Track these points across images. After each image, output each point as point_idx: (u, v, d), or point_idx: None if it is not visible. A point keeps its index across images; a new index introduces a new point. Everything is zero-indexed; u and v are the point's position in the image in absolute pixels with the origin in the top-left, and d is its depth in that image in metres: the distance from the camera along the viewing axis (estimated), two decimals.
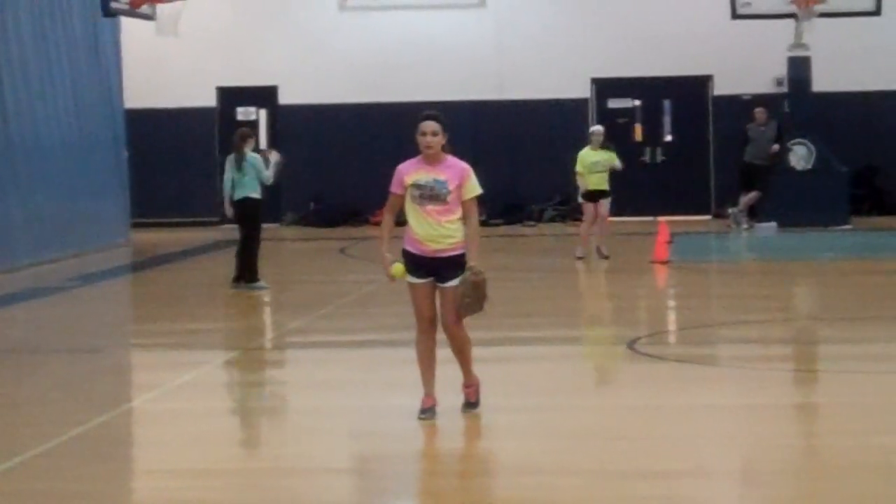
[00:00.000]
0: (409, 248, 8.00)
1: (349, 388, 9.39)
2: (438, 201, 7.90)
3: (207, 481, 7.03)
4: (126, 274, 18.48)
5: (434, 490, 6.86)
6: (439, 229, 7.92)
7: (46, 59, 18.87)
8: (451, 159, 8.02)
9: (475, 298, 7.91)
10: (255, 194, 14.80)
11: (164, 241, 21.69)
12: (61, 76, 19.29)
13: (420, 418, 7.94)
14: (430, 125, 7.96)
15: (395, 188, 8.06)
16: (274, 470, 7.18)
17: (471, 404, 8.20)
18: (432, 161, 7.96)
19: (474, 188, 7.99)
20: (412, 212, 7.97)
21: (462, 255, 7.95)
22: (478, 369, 8.31)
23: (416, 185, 7.93)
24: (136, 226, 22.07)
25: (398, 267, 7.97)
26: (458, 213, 7.96)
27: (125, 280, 17.91)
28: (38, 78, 18.54)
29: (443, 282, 7.96)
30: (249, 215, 14.85)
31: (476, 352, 8.30)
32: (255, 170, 14.82)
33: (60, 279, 16.45)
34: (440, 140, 7.94)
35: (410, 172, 7.98)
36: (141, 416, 8.80)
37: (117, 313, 14.81)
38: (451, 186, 7.91)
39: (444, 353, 8.19)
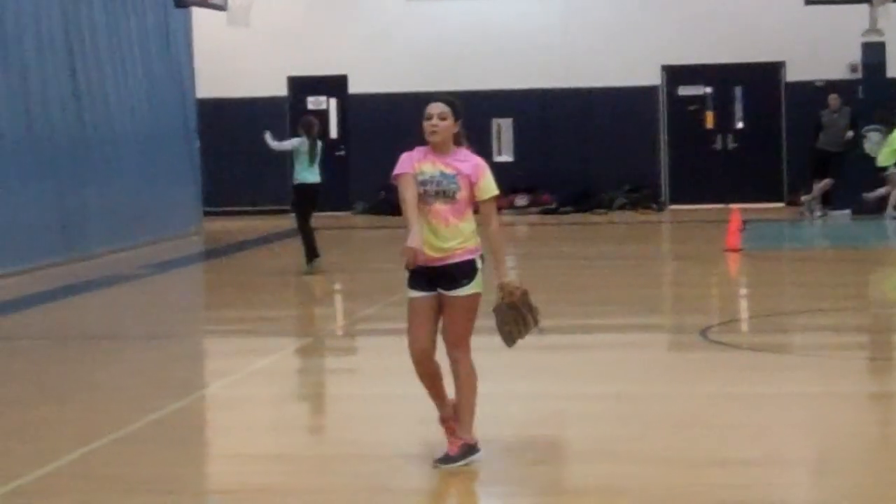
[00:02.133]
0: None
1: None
2: (445, 198, 6.67)
3: (281, 466, 7.10)
4: (199, 262, 18.67)
5: (505, 476, 6.87)
6: (444, 232, 6.65)
7: (119, 50, 19.09)
8: (464, 152, 6.79)
9: (517, 321, 6.72)
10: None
11: (235, 229, 21.88)
12: (134, 67, 19.51)
13: (434, 464, 6.75)
14: (437, 107, 6.74)
15: (404, 167, 6.77)
16: (346, 456, 7.23)
17: (448, 458, 6.75)
18: (439, 151, 6.74)
19: (491, 187, 6.73)
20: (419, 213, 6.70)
21: (471, 262, 6.68)
22: (549, 357, 8.28)
23: (421, 181, 6.71)
24: (207, 214, 22.28)
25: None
26: (469, 215, 6.72)
27: (198, 267, 18.09)
28: (111, 69, 18.77)
29: (450, 289, 6.67)
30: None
31: (547, 339, 8.21)
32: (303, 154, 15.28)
33: (134, 267, 16.66)
34: (449, 126, 6.71)
35: (420, 161, 6.78)
36: (215, 402, 8.90)
37: (191, 300, 14.97)
38: (461, 182, 6.67)
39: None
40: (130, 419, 7.98)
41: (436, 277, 6.69)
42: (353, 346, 11.57)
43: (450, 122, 6.75)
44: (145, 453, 7.32)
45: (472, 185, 6.70)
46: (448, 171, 6.72)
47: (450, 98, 6.86)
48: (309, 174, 15.36)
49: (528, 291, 6.80)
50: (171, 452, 7.39)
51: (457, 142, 6.80)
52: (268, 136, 15.75)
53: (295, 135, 15.72)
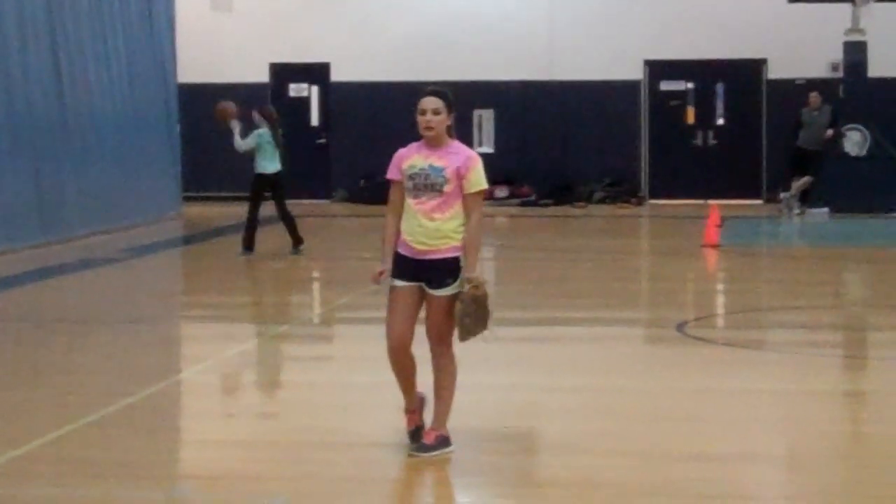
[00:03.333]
0: (400, 249, 6.74)
1: None
2: (432, 191, 6.64)
3: (255, 453, 7.08)
4: (177, 247, 18.61)
5: (479, 468, 6.87)
6: (429, 226, 6.63)
7: (101, 33, 19.01)
8: (457, 145, 6.76)
9: (477, 317, 6.64)
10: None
11: (215, 214, 21.82)
12: (116, 51, 19.43)
13: (410, 453, 6.79)
14: (430, 101, 6.70)
15: (391, 173, 6.80)
16: (321, 444, 7.22)
17: (424, 447, 6.77)
18: (433, 145, 6.71)
19: (479, 181, 6.66)
20: (406, 206, 6.71)
21: (456, 259, 6.66)
22: (526, 349, 8.29)
23: (410, 174, 6.70)
24: (187, 199, 22.23)
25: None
26: (457, 210, 6.66)
27: (176, 252, 18.04)
28: (92, 52, 18.69)
29: (433, 287, 6.66)
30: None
31: (524, 331, 8.25)
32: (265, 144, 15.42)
33: (112, 251, 16.60)
34: (443, 120, 6.69)
35: (407, 157, 6.77)
36: (190, 388, 8.88)
37: (168, 285, 14.93)
38: (449, 174, 6.63)
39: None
40: (104, 403, 7.96)
41: (420, 271, 6.69)
42: (330, 333, 11.56)
43: (444, 115, 6.74)
44: (119, 438, 7.30)
45: (460, 178, 6.66)
46: (438, 164, 6.70)
47: (442, 90, 6.83)
48: (269, 163, 15.44)
49: (489, 295, 6.70)
50: (145, 437, 7.37)
51: (449, 133, 6.78)
52: (237, 137, 15.56)
53: (253, 127, 15.60)
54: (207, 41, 23.90)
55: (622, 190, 23.97)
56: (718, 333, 11.22)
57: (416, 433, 6.96)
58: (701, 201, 22.85)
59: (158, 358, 9.96)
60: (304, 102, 24.88)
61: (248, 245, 15.66)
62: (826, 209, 21.56)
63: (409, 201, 6.70)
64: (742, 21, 23.45)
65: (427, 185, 6.68)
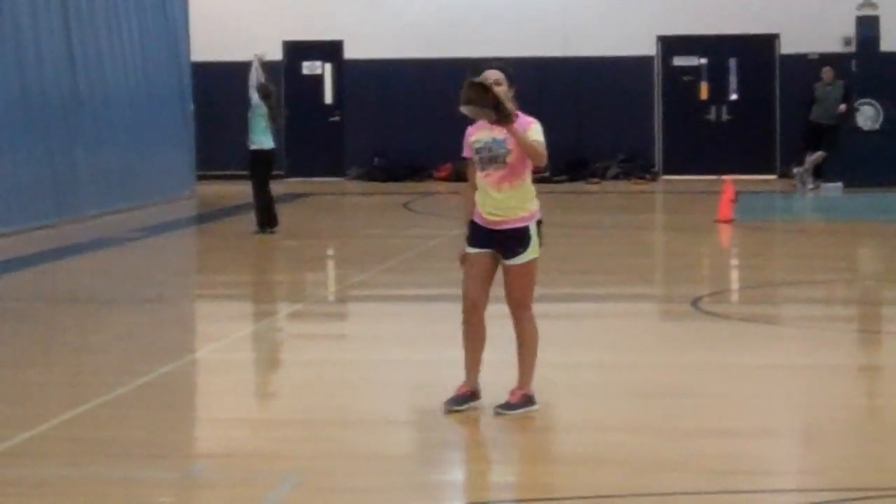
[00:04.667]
0: (475, 219, 7.10)
1: (411, 342, 9.43)
2: (497, 164, 6.95)
3: (269, 432, 7.10)
4: (191, 225, 18.64)
5: (492, 443, 6.89)
6: (496, 197, 6.95)
7: (115, 11, 19.00)
8: (520, 116, 6.98)
9: (478, 100, 6.77)
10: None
11: (229, 193, 21.83)
12: (129, 29, 19.42)
13: (445, 410, 7.06)
14: (492, 73, 6.92)
15: (465, 152, 7.15)
16: (335, 421, 7.24)
17: (510, 405, 7.08)
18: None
19: (535, 133, 6.92)
20: (478, 179, 7.04)
21: (525, 229, 7.00)
22: (542, 325, 8.26)
23: (476, 148, 7.03)
24: (201, 178, 22.24)
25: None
26: (524, 181, 7.01)
27: (190, 231, 18.08)
28: (105, 30, 18.67)
29: (507, 257, 7.02)
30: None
31: (538, 308, 8.22)
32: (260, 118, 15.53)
33: (126, 230, 16.63)
34: (504, 91, 6.88)
35: (474, 132, 7.06)
36: (205, 367, 8.90)
37: (182, 264, 14.96)
38: (511, 145, 6.91)
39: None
40: (119, 383, 7.98)
41: (493, 240, 7.03)
42: (345, 312, 11.57)
43: (504, 87, 6.93)
44: (133, 417, 7.32)
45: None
46: (500, 136, 6.95)
47: (502, 64, 7.05)
48: (265, 139, 15.59)
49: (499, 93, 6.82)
50: (160, 416, 7.39)
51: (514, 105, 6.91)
52: (257, 60, 15.71)
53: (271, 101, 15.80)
54: (220, 19, 23.85)
55: (636, 166, 23.90)
56: (733, 309, 11.21)
57: (461, 397, 7.13)
58: (715, 177, 22.78)
59: (173, 337, 9.98)
60: (317, 80, 24.84)
61: (265, 222, 15.63)
62: (840, 184, 21.49)
63: (480, 174, 7.01)
64: None
65: (492, 157, 6.97)
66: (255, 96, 15.67)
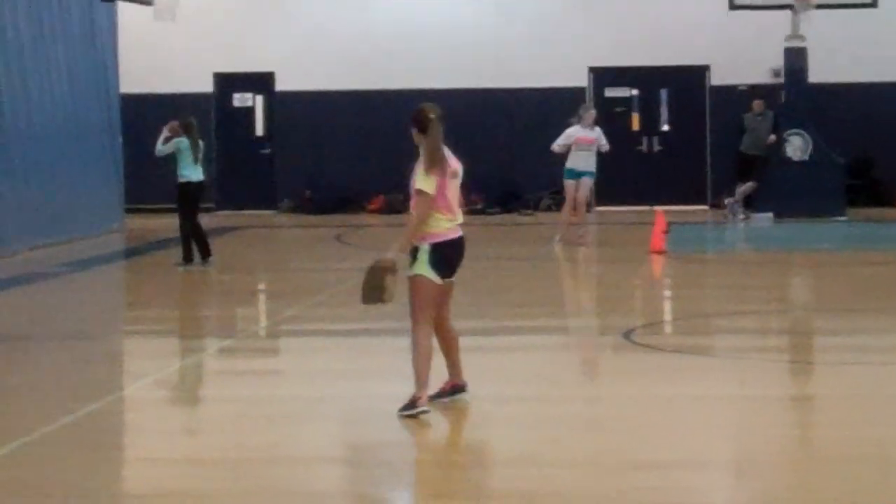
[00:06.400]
0: None
1: (343, 377, 9.33)
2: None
3: (198, 470, 6.98)
4: (119, 260, 18.41)
5: (427, 479, 6.81)
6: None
7: (42, 42, 18.78)
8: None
9: (372, 286, 7.87)
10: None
11: (158, 227, 21.60)
12: (57, 60, 19.20)
13: (428, 400, 7.85)
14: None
15: None
16: (266, 459, 7.13)
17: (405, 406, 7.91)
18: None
19: (417, 181, 7.95)
20: None
21: (416, 249, 7.90)
22: (473, 359, 8.24)
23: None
24: (130, 211, 21.99)
25: None
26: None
27: (118, 266, 17.84)
28: (33, 62, 18.44)
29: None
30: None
31: (470, 341, 8.24)
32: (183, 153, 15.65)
33: (53, 265, 16.38)
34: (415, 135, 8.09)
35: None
36: (132, 405, 8.75)
37: (110, 300, 14.75)
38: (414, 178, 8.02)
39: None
40: (43, 422, 7.81)
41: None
42: (276, 347, 11.45)
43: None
44: (58, 457, 7.16)
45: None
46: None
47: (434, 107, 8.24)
48: (193, 172, 15.67)
49: (393, 273, 7.85)
50: (85, 456, 7.24)
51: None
52: (160, 142, 15.81)
53: (192, 135, 15.80)
54: (150, 50, 23.68)
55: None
56: (665, 340, 11.22)
57: (442, 393, 8.01)
58: (647, 207, 22.92)
59: (100, 374, 9.80)
60: (248, 112, 24.73)
61: (203, 253, 15.53)
62: (770, 214, 21.69)
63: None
64: (685, 28, 23.56)
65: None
66: (165, 148, 15.73)
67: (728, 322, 11.86)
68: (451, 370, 8.10)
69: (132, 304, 14.44)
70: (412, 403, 7.76)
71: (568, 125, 18.80)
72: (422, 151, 8.00)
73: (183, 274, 15.42)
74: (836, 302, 13.19)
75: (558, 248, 17.74)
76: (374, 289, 7.86)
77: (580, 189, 18.42)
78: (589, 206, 19.75)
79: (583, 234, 18.41)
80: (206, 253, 15.60)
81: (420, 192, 7.90)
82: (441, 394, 8.04)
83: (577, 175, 18.52)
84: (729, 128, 23.00)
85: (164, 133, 15.94)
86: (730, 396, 8.58)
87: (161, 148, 15.85)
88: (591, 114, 18.82)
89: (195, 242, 15.60)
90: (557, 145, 18.59)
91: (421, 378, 7.79)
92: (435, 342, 7.97)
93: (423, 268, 7.86)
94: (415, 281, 7.86)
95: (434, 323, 7.90)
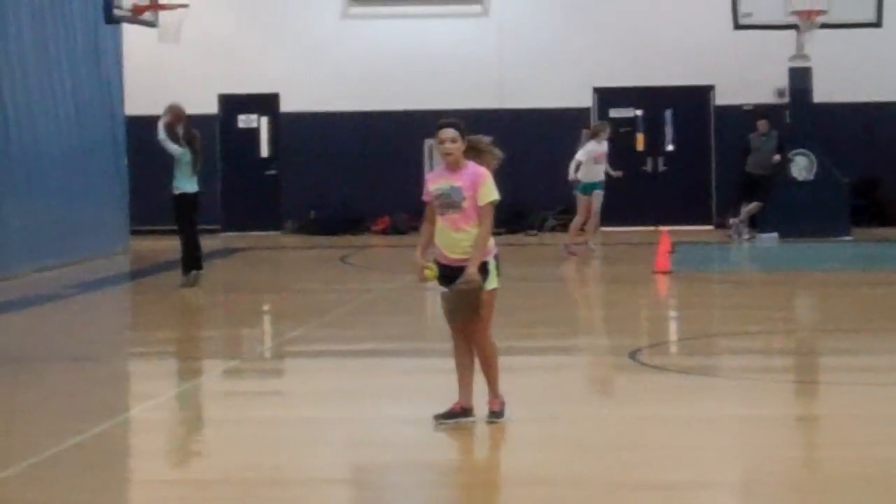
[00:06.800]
0: (437, 258, 8.04)
1: (349, 398, 9.32)
2: (454, 209, 7.88)
3: (205, 492, 6.97)
4: (125, 281, 18.42)
5: (434, 501, 6.80)
6: (455, 236, 7.88)
7: (47, 64, 18.82)
8: (472, 165, 8.00)
9: (461, 307, 7.85)
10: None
11: (163, 248, 21.61)
12: (62, 82, 19.24)
13: (437, 425, 7.91)
14: (448, 132, 7.98)
15: (426, 195, 8.08)
16: (273, 481, 7.12)
17: (493, 413, 8.10)
18: (453, 168, 7.98)
19: (488, 193, 7.91)
20: (437, 221, 7.98)
21: (484, 263, 7.95)
22: (480, 378, 8.23)
23: (436, 195, 7.95)
24: (135, 233, 22.02)
25: (430, 269, 7.94)
26: (475, 221, 7.92)
27: (124, 288, 17.85)
28: (38, 83, 18.49)
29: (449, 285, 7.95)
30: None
31: (477, 362, 8.23)
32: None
33: (58, 286, 16.39)
34: (459, 147, 7.96)
35: (434, 180, 8.02)
36: (138, 426, 8.74)
37: (115, 321, 14.75)
38: (466, 193, 7.87)
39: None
40: (50, 443, 7.81)
41: (452, 275, 7.87)
42: (281, 368, 11.44)
43: (459, 143, 7.99)
44: (64, 478, 7.16)
45: (475, 193, 7.87)
46: (457, 184, 7.92)
47: (456, 121, 8.12)
48: (188, 184, 15.73)
49: (481, 290, 7.86)
50: (91, 477, 7.23)
51: (466, 156, 7.98)
52: (161, 127, 15.79)
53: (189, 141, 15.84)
54: (155, 73, 23.72)
55: (573, 217, 23.96)
56: (671, 360, 11.21)
57: (451, 413, 7.97)
58: (652, 228, 22.92)
59: (106, 396, 9.80)
60: (253, 133, 24.78)
61: (191, 266, 15.57)
62: (775, 234, 21.68)
63: (439, 217, 7.93)
64: (689, 48, 23.60)
65: (449, 203, 7.89)
66: (171, 147, 15.67)
67: (733, 342, 11.85)
68: (467, 388, 8.10)
69: (138, 325, 14.44)
70: (502, 410, 8.04)
71: (582, 140, 19.43)
72: (483, 163, 8.03)
73: (188, 295, 15.41)
74: (841, 322, 13.17)
75: (569, 258, 18.35)
76: (474, 309, 7.85)
77: (594, 201, 19.12)
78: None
79: (586, 245, 19.05)
80: (195, 266, 15.60)
81: (492, 203, 7.92)
82: (450, 415, 8.01)
83: (592, 188, 18.96)
84: (734, 148, 23.03)
85: (165, 118, 15.79)
86: (736, 417, 8.56)
87: (163, 136, 15.73)
88: (608, 130, 19.51)
89: (187, 254, 15.61)
90: (580, 162, 18.90)
91: (498, 382, 8.09)
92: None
93: (496, 281, 8.00)
94: (491, 294, 7.95)
95: (464, 337, 8.00)
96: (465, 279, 7.80)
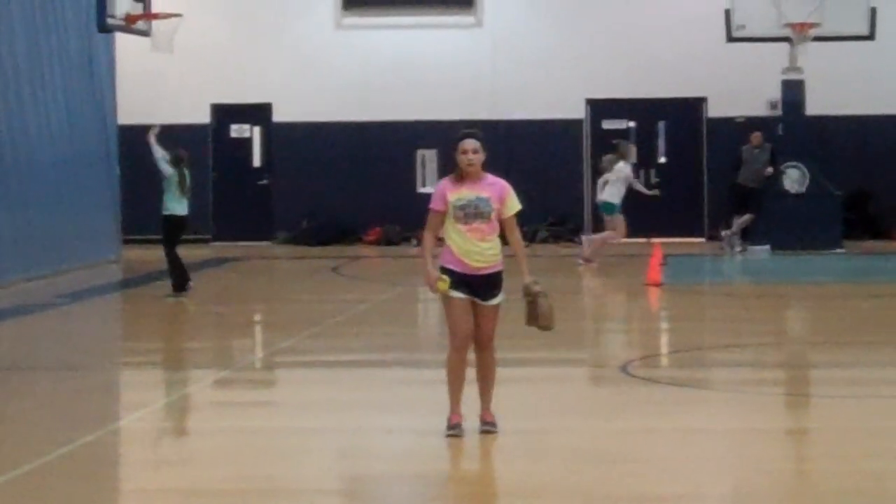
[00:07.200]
0: (452, 267, 8.00)
1: (340, 409, 9.31)
2: (482, 219, 7.98)
3: (196, 502, 6.95)
4: (116, 291, 18.39)
5: None
6: (482, 246, 7.99)
7: (40, 74, 18.81)
8: (491, 177, 8.12)
9: (550, 312, 8.27)
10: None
11: (155, 258, 21.58)
12: (54, 91, 19.23)
13: (448, 435, 7.93)
14: (470, 143, 8.04)
15: (437, 205, 8.07)
16: (263, 491, 7.10)
17: (491, 424, 8.19)
18: (473, 179, 8.04)
19: (515, 204, 8.12)
20: (454, 231, 8.00)
21: (501, 273, 8.10)
22: (470, 390, 8.23)
23: (460, 205, 7.97)
24: (127, 242, 21.99)
25: (444, 282, 7.93)
26: (498, 231, 8.08)
27: (115, 297, 17.82)
28: (31, 93, 18.47)
29: (485, 300, 8.05)
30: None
31: (467, 374, 8.22)
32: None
33: (50, 296, 16.36)
34: (481, 157, 8.03)
35: (452, 190, 8.02)
36: (128, 436, 8.72)
37: (106, 331, 14.73)
38: (494, 204, 8.01)
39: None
40: (40, 452, 7.78)
41: (475, 285, 7.98)
42: (272, 378, 11.42)
43: (481, 153, 8.07)
44: (54, 488, 7.14)
45: (501, 205, 8.05)
46: (484, 195, 8.03)
47: (477, 132, 8.19)
48: (178, 205, 15.86)
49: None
50: (82, 487, 7.21)
51: (484, 167, 8.09)
52: (152, 136, 15.83)
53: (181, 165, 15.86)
54: (148, 82, 23.72)
55: (565, 229, 24.00)
56: (662, 373, 11.21)
57: (458, 425, 7.99)
58: (643, 240, 22.94)
59: (97, 406, 9.78)
60: (246, 143, 24.77)
61: (181, 284, 15.64)
62: (767, 246, 21.70)
63: (460, 227, 7.97)
64: (682, 60, 23.64)
65: (477, 213, 7.98)
66: (166, 168, 15.75)
67: (725, 355, 11.85)
68: (459, 404, 8.12)
69: (129, 335, 14.42)
70: (494, 422, 8.14)
71: (606, 165, 20.09)
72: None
73: (178, 305, 15.39)
74: (832, 335, 13.18)
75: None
76: (551, 314, 8.24)
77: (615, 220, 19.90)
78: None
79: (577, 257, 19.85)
80: (180, 285, 15.61)
81: (518, 213, 8.08)
82: (459, 426, 8.03)
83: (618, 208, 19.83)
84: (726, 160, 23.06)
85: (153, 139, 15.86)
86: (727, 430, 8.56)
87: (157, 147, 15.86)
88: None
89: (171, 273, 15.66)
90: (637, 188, 20.23)
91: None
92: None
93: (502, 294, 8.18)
94: (501, 308, 8.15)
95: (468, 343, 8.10)
96: (540, 290, 8.16)
